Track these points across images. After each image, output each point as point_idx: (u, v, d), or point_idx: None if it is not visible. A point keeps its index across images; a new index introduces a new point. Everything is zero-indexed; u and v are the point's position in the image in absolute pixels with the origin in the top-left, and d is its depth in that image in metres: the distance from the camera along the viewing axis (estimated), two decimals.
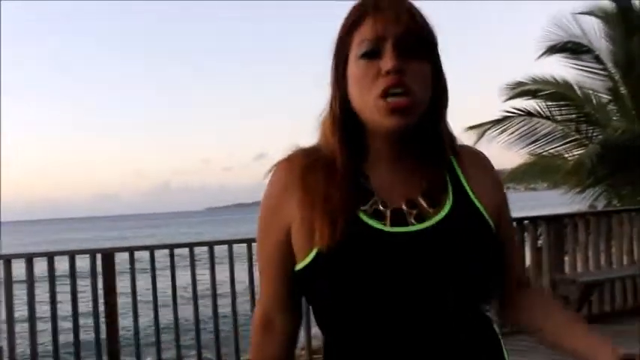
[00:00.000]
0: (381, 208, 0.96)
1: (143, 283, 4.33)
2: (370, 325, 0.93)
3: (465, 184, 1.02)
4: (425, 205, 0.97)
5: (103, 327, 4.15)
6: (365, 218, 0.95)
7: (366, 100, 0.93)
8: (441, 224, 0.95)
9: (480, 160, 1.07)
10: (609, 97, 8.89)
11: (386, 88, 0.91)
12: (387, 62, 0.91)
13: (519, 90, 9.04)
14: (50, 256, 4.13)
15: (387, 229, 0.94)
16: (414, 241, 0.94)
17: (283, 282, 1.03)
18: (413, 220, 0.95)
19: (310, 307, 1.02)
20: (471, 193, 1.01)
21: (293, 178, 0.99)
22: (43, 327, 4.25)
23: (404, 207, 0.97)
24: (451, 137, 1.03)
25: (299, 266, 0.97)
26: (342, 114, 0.98)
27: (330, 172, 0.97)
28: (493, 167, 1.09)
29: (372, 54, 0.93)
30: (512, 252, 1.11)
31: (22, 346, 4.33)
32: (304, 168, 0.99)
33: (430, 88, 0.96)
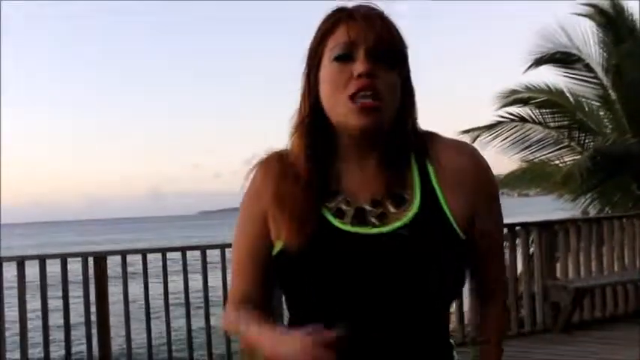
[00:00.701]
0: (344, 207, 1.00)
1: (136, 287, 4.33)
2: (323, 316, 0.96)
3: (437, 188, 1.01)
4: (389, 205, 0.99)
5: (94, 331, 4.14)
6: (328, 215, 1.00)
7: (337, 100, 0.97)
8: (401, 230, 0.96)
9: (455, 159, 1.03)
10: (600, 104, 8.95)
11: (357, 90, 0.95)
12: (359, 66, 0.95)
13: (512, 98, 9.08)
14: (42, 259, 4.12)
15: (347, 227, 0.98)
16: (371, 243, 0.96)
17: (255, 271, 1.08)
18: (374, 220, 0.98)
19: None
20: (441, 198, 1.00)
21: (268, 177, 1.06)
22: (35, 333, 4.24)
23: (367, 207, 0.99)
24: (422, 139, 1.05)
25: (274, 252, 1.04)
26: (312, 116, 1.02)
27: (299, 178, 1.02)
28: (477, 167, 1.05)
29: (344, 57, 0.97)
30: (486, 256, 1.09)
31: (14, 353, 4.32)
32: (278, 169, 1.05)
33: (398, 94, 1.00)
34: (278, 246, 1.02)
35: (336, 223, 0.99)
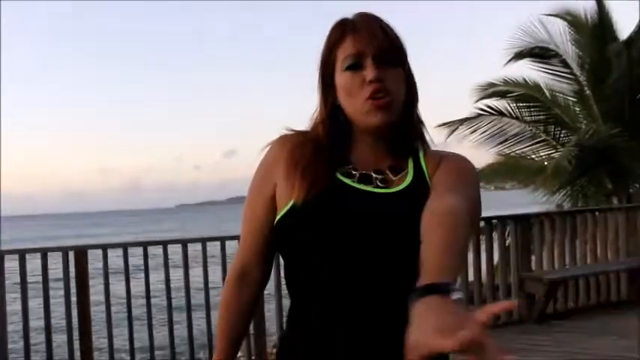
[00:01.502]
0: (353, 171, 1.14)
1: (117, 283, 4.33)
2: (327, 272, 1.06)
3: (425, 171, 1.16)
4: (390, 174, 1.15)
5: (75, 325, 4.13)
6: (338, 175, 1.14)
7: (355, 104, 1.12)
8: (400, 192, 1.12)
9: (445, 158, 1.17)
10: (575, 100, 9.11)
11: (371, 94, 1.10)
12: (369, 73, 1.10)
13: (490, 91, 9.20)
14: (21, 254, 4.09)
15: (354, 184, 1.12)
16: (377, 199, 1.11)
17: (263, 235, 1.19)
18: (378, 183, 1.13)
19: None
20: (427, 178, 1.15)
21: (283, 151, 1.17)
22: (14, 327, 4.22)
23: (372, 173, 1.14)
24: (421, 131, 1.20)
25: (278, 217, 1.13)
26: (331, 116, 1.17)
27: (317, 149, 1.15)
28: (458, 161, 1.17)
29: (355, 67, 1.12)
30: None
31: None
32: (294, 144, 1.17)
33: (404, 88, 1.15)
34: (284, 209, 1.12)
35: (346, 180, 1.13)
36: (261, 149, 1.21)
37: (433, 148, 1.21)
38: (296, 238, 1.10)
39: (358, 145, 1.17)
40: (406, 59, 1.16)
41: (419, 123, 1.20)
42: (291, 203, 1.10)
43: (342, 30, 1.14)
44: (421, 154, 1.18)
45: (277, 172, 1.16)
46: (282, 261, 1.17)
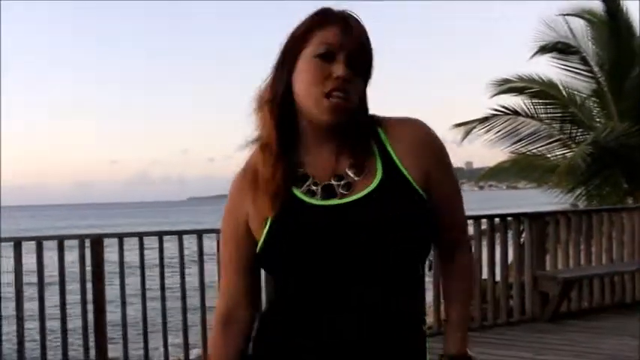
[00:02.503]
0: (313, 187, 1.09)
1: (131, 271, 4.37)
2: (308, 291, 1.07)
3: (394, 157, 1.11)
4: (352, 175, 1.09)
5: (90, 315, 4.16)
6: (301, 196, 1.09)
7: (312, 93, 1.07)
8: (369, 195, 1.07)
9: (407, 131, 1.14)
10: (593, 99, 9.02)
11: (332, 89, 1.06)
12: (339, 68, 1.06)
13: (506, 87, 9.14)
14: (39, 241, 4.13)
15: (319, 202, 1.08)
16: (342, 211, 1.06)
17: (244, 272, 1.18)
18: (342, 191, 1.08)
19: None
20: (399, 165, 1.10)
21: (245, 181, 1.15)
22: (30, 313, 4.26)
23: (333, 182, 1.09)
24: (373, 120, 1.16)
25: (259, 247, 1.11)
26: (282, 100, 1.11)
27: (268, 158, 1.11)
28: (426, 135, 1.15)
29: (327, 56, 1.07)
30: (450, 211, 1.18)
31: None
32: (254, 169, 1.14)
33: (359, 96, 1.12)
34: (262, 237, 1.10)
35: (308, 200, 1.09)
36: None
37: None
38: (272, 263, 1.10)
39: (306, 143, 1.13)
40: (371, 72, 1.14)
41: (368, 120, 1.16)
42: (265, 230, 1.09)
43: (326, 17, 1.11)
44: (386, 143, 1.13)
45: (243, 210, 1.14)
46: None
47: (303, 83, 1.08)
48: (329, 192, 1.08)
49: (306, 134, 1.13)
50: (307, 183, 1.10)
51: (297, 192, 1.09)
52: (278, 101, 1.11)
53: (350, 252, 1.03)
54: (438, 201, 1.13)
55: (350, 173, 1.09)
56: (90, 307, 4.15)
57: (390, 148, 1.12)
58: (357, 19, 1.11)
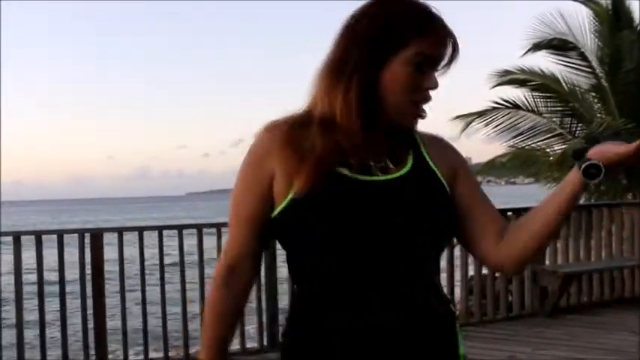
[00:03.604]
0: (352, 161, 1.09)
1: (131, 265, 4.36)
2: (334, 264, 1.05)
3: (425, 153, 1.17)
4: (389, 162, 1.12)
5: (89, 309, 4.16)
6: (338, 169, 1.08)
7: (401, 100, 1.08)
8: (402, 178, 1.11)
9: (437, 140, 1.22)
10: (593, 94, 9.01)
11: (421, 101, 1.10)
12: (431, 81, 1.09)
13: (508, 78, 9.11)
14: (38, 235, 4.13)
15: (354, 175, 1.07)
16: (377, 188, 1.08)
17: (254, 231, 1.13)
18: (378, 172, 1.10)
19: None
20: (428, 159, 1.16)
21: (274, 140, 1.10)
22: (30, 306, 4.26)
23: (371, 162, 1.11)
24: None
25: (276, 212, 1.08)
26: (368, 87, 1.08)
27: (321, 130, 1.08)
28: (451, 145, 1.24)
29: (422, 66, 1.07)
30: (481, 199, 1.20)
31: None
32: (287, 130, 1.10)
33: None
34: (283, 203, 1.07)
35: (344, 171, 1.08)
36: (253, 136, 1.14)
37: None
38: (301, 234, 1.06)
39: (359, 128, 1.10)
40: None
41: None
42: (290, 197, 1.06)
43: (428, 23, 1.08)
44: (419, 141, 1.18)
45: (271, 163, 1.09)
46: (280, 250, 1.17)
47: (394, 90, 1.08)
48: (365, 169, 1.09)
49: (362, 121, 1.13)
50: (347, 157, 1.09)
51: (337, 168, 1.08)
52: (365, 90, 1.07)
53: (385, 229, 1.04)
54: (472, 192, 1.18)
55: (387, 161, 1.12)
56: (89, 301, 4.14)
57: (423, 149, 1.17)
58: (449, 29, 1.10)
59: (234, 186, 1.15)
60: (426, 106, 1.12)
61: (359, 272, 1.05)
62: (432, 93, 1.11)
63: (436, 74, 1.11)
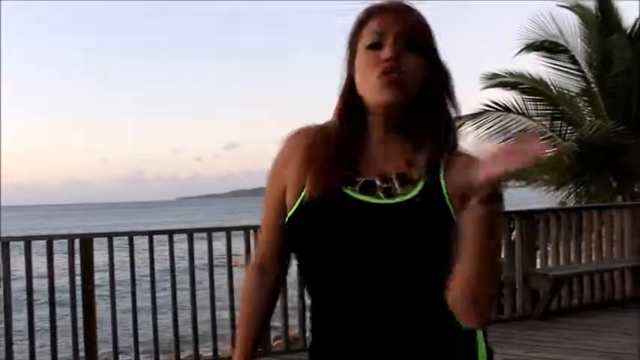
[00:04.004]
0: (357, 178, 1.09)
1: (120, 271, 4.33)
2: (327, 278, 1.09)
3: (441, 175, 1.08)
4: (396, 184, 1.08)
5: (79, 315, 4.13)
6: (343, 186, 1.08)
7: (367, 82, 1.08)
8: (402, 204, 1.05)
9: (469, 158, 1.07)
10: (582, 97, 9.07)
11: (383, 71, 1.06)
12: (385, 51, 1.06)
13: (498, 80, 9.16)
14: (27, 241, 4.09)
15: (354, 194, 1.07)
16: (374, 211, 1.05)
17: (276, 232, 1.18)
18: (381, 194, 1.07)
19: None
20: (442, 183, 1.07)
21: (295, 151, 1.15)
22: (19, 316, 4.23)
23: (377, 181, 1.08)
24: (452, 134, 1.13)
25: (288, 216, 1.13)
26: (349, 98, 1.13)
27: (327, 149, 1.12)
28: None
29: (375, 45, 1.08)
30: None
31: None
32: (307, 143, 1.14)
33: (422, 76, 1.08)
34: (291, 211, 1.11)
35: (348, 190, 1.08)
36: (279, 143, 1.20)
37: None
38: (294, 245, 1.13)
39: (371, 136, 1.13)
40: (431, 47, 1.11)
41: (444, 119, 1.11)
42: (298, 202, 1.10)
43: (370, 11, 1.13)
44: (441, 165, 1.09)
45: (287, 172, 1.15)
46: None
47: (360, 75, 1.10)
48: (368, 188, 1.08)
49: (371, 127, 1.13)
50: (353, 171, 1.10)
51: (344, 187, 1.09)
52: (345, 101, 1.13)
53: (372, 253, 1.03)
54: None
55: (395, 181, 1.08)
56: (79, 308, 4.11)
57: (442, 170, 1.08)
58: (399, 3, 1.11)
59: (266, 186, 1.22)
60: (393, 72, 1.05)
61: (334, 290, 1.08)
62: (409, 72, 1.06)
63: (411, 53, 1.06)
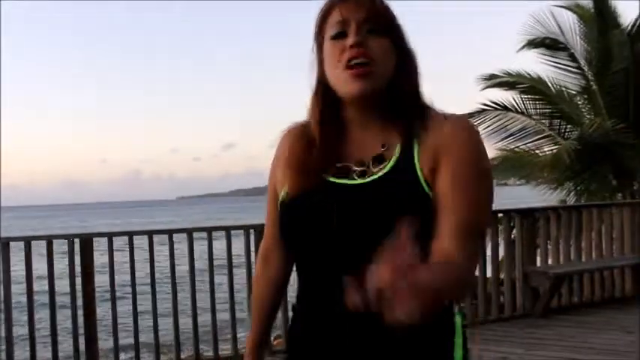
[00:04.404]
0: (337, 164, 1.13)
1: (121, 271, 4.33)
2: (307, 261, 1.15)
3: (415, 148, 1.08)
4: (372, 165, 1.11)
5: (80, 317, 4.12)
6: (325, 175, 1.13)
7: (335, 74, 1.09)
8: (374, 182, 1.08)
9: (450, 126, 1.07)
10: (582, 95, 9.06)
11: (349, 59, 1.06)
12: (350, 38, 1.07)
13: (497, 81, 9.15)
14: (27, 241, 4.09)
15: (330, 178, 1.12)
16: (347, 191, 1.09)
17: (277, 225, 1.22)
18: (355, 176, 1.11)
19: None
20: (415, 156, 1.07)
21: (284, 147, 1.22)
22: (19, 316, 4.22)
23: (352, 166, 1.12)
24: (421, 107, 1.12)
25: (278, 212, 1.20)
26: (321, 91, 1.15)
27: (310, 142, 1.16)
28: (460, 134, 1.07)
29: (339, 35, 1.09)
30: (445, 218, 1.03)
31: None
32: (295, 137, 1.20)
33: (392, 59, 1.10)
34: (279, 200, 1.19)
35: (330, 177, 1.12)
36: (274, 142, 1.28)
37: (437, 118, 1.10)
38: (287, 227, 1.17)
39: (348, 126, 1.16)
40: (396, 29, 1.11)
41: (417, 98, 1.12)
42: (281, 196, 1.17)
43: (331, 3, 1.13)
44: (415, 142, 1.08)
45: (278, 169, 1.22)
46: None
47: (328, 69, 1.11)
48: (344, 172, 1.12)
49: (347, 117, 1.15)
50: (333, 165, 1.14)
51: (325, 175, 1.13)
52: (317, 94, 1.16)
53: (345, 229, 1.05)
54: (441, 193, 1.04)
55: (371, 163, 1.11)
56: (80, 309, 4.11)
57: (415, 142, 1.08)
58: None
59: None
60: (360, 62, 1.05)
61: (314, 271, 1.13)
62: (378, 57, 1.06)
63: (376, 38, 1.06)
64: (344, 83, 1.07)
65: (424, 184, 1.05)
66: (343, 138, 1.16)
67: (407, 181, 1.06)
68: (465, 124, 1.10)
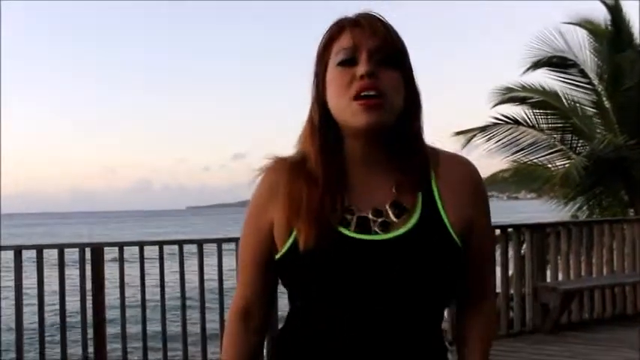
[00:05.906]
0: (348, 216, 1.04)
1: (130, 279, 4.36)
2: (325, 319, 1.03)
3: (437, 197, 1.06)
4: (391, 214, 1.04)
5: (89, 325, 4.15)
6: (335, 224, 1.03)
7: (342, 103, 1.02)
8: (403, 238, 1.01)
9: (461, 170, 1.10)
10: (594, 110, 9.03)
11: (359, 90, 0.99)
12: (361, 67, 1.00)
13: (508, 96, 9.14)
14: (39, 249, 4.13)
15: (350, 234, 1.02)
16: (374, 248, 1.01)
17: (259, 273, 1.14)
18: (377, 229, 1.03)
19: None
20: (440, 207, 1.05)
21: (279, 182, 1.09)
22: (30, 319, 4.25)
23: (370, 215, 1.04)
24: (427, 147, 1.10)
25: (278, 255, 1.07)
26: (321, 120, 1.07)
27: (312, 181, 1.06)
28: (475, 178, 1.11)
29: (348, 62, 1.02)
30: (480, 264, 1.13)
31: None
32: (290, 174, 1.09)
33: (402, 93, 1.04)
34: (284, 248, 1.06)
35: (342, 230, 1.03)
36: (253, 177, 1.13)
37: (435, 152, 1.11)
38: (298, 283, 1.06)
39: (353, 161, 1.07)
40: (407, 62, 1.06)
41: (421, 138, 1.09)
42: (289, 243, 1.05)
43: (341, 25, 1.05)
44: (433, 179, 1.07)
45: (272, 209, 1.09)
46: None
47: (333, 96, 1.03)
48: (363, 226, 1.03)
49: (350, 152, 1.07)
50: (344, 210, 1.05)
51: (333, 220, 1.04)
52: (319, 125, 1.06)
53: (373, 288, 0.99)
54: (472, 250, 1.08)
55: (390, 212, 1.04)
56: (89, 318, 4.14)
57: (434, 186, 1.06)
58: (372, 16, 1.05)
59: (243, 223, 1.15)
60: (372, 94, 0.99)
61: (348, 330, 1.02)
62: (388, 89, 1.01)
63: (387, 70, 1.01)
64: (352, 114, 1.00)
65: (455, 237, 1.04)
66: (348, 176, 1.07)
67: (439, 235, 1.03)
68: (470, 163, 1.13)
